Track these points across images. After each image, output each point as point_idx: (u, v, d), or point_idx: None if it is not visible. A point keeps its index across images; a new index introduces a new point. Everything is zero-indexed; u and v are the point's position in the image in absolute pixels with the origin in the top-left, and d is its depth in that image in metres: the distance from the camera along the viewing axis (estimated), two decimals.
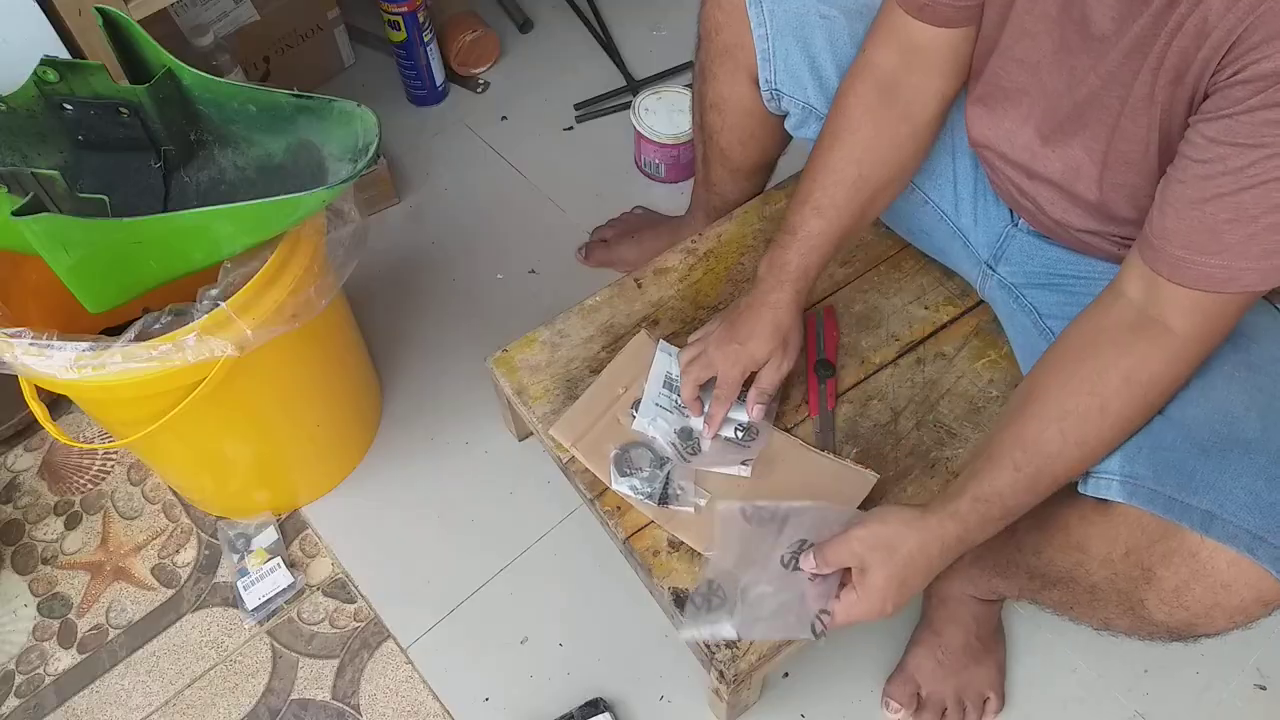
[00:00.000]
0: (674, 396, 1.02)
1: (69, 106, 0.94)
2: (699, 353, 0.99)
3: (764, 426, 1.01)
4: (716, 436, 0.99)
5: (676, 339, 1.08)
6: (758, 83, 1.03)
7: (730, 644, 0.92)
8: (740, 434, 1.00)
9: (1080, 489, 0.79)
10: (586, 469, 1.01)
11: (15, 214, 0.80)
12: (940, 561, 0.79)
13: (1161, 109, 0.71)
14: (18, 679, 1.14)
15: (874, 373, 1.07)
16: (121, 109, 0.93)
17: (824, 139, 0.94)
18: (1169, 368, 0.73)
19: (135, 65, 0.94)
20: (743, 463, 0.99)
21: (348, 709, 1.12)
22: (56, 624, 1.18)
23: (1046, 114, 0.82)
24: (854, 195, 0.92)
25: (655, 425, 1.00)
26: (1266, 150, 0.63)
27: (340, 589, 1.19)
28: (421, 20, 1.51)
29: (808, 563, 0.82)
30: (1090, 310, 0.78)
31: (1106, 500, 0.77)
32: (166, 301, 0.95)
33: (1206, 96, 0.67)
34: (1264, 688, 1.11)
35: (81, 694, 1.13)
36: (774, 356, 0.96)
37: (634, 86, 1.65)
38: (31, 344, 0.87)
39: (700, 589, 0.91)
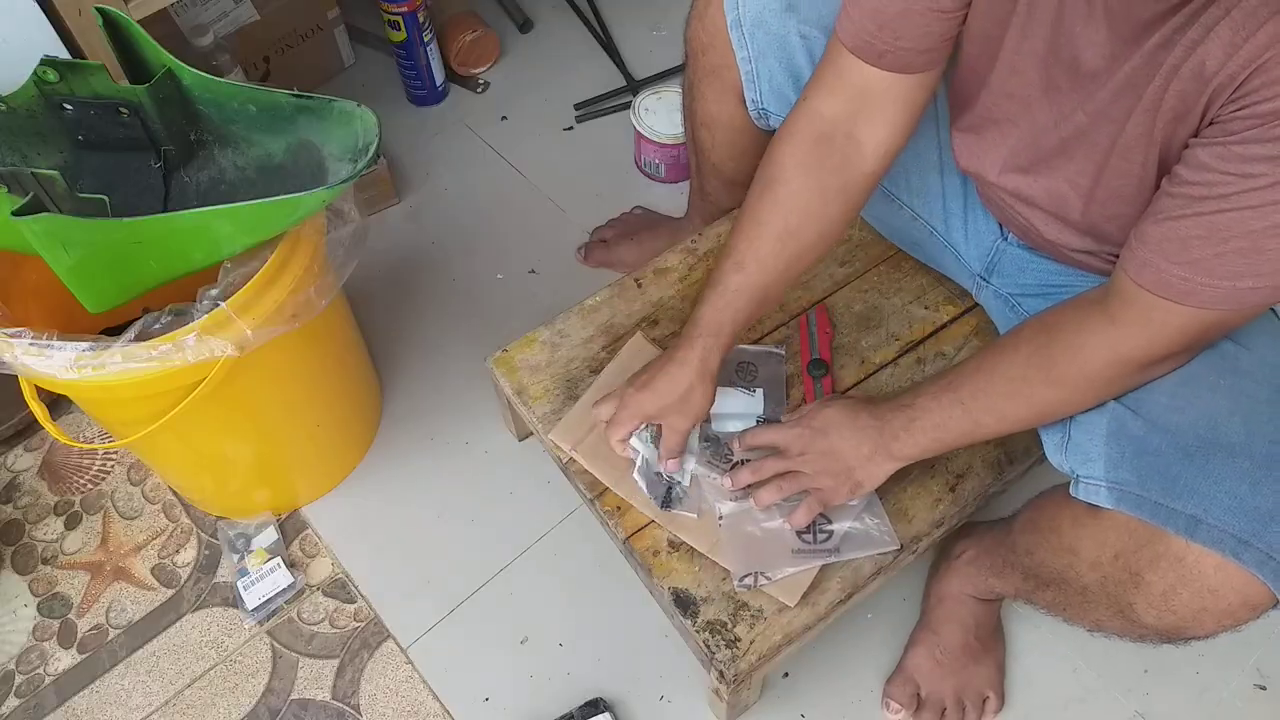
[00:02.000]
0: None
1: (69, 106, 0.94)
2: (613, 395, 0.97)
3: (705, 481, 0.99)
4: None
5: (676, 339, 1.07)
6: (745, 101, 1.03)
7: (730, 644, 0.92)
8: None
9: (1071, 493, 0.79)
10: (587, 469, 1.01)
11: (15, 214, 0.80)
12: (865, 415, 0.91)
13: (1161, 147, 0.72)
14: (18, 679, 1.14)
15: (874, 372, 1.07)
16: (121, 109, 0.93)
17: (753, 190, 0.90)
18: (1088, 341, 0.76)
19: (135, 65, 0.94)
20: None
21: (348, 709, 1.12)
22: (56, 624, 1.18)
23: (1028, 146, 0.82)
24: (779, 250, 0.88)
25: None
26: (1252, 182, 0.64)
27: (340, 589, 1.19)
28: (421, 20, 1.51)
29: (741, 479, 0.95)
30: None
31: (1097, 505, 0.77)
32: (166, 301, 0.95)
33: (1211, 123, 0.67)
34: (1264, 688, 1.11)
35: (81, 694, 1.13)
36: (668, 415, 0.93)
37: (634, 86, 1.65)
38: (31, 344, 0.87)
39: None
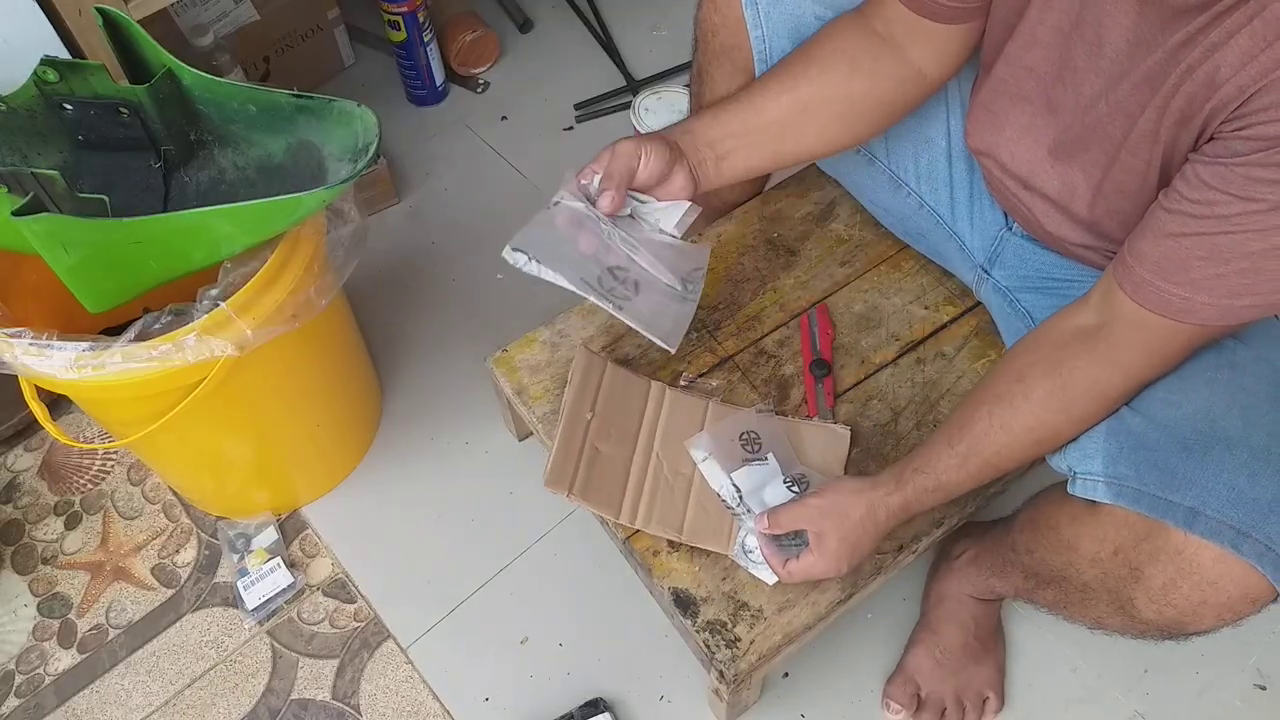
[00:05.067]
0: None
1: (69, 106, 0.94)
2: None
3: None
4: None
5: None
6: None
7: (730, 644, 0.92)
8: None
9: (1069, 490, 0.80)
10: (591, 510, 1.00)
11: (15, 214, 0.80)
12: (886, 525, 0.88)
13: (1165, 147, 0.72)
14: (18, 679, 1.14)
15: (874, 372, 1.07)
16: (121, 109, 0.93)
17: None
18: (1100, 375, 0.76)
19: (135, 65, 0.94)
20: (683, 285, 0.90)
21: (348, 709, 1.12)
22: (56, 624, 1.18)
23: (1059, 130, 0.82)
24: (790, 83, 0.89)
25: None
26: (1254, 205, 0.65)
27: (340, 589, 1.19)
28: (421, 20, 1.51)
29: (761, 524, 0.92)
30: (1058, 313, 0.81)
31: (1095, 501, 0.78)
32: (166, 301, 0.95)
33: (1211, 139, 0.68)
34: (1264, 688, 1.11)
35: (81, 694, 1.13)
36: (625, 145, 0.85)
37: (634, 86, 1.65)
38: (31, 344, 0.87)
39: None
